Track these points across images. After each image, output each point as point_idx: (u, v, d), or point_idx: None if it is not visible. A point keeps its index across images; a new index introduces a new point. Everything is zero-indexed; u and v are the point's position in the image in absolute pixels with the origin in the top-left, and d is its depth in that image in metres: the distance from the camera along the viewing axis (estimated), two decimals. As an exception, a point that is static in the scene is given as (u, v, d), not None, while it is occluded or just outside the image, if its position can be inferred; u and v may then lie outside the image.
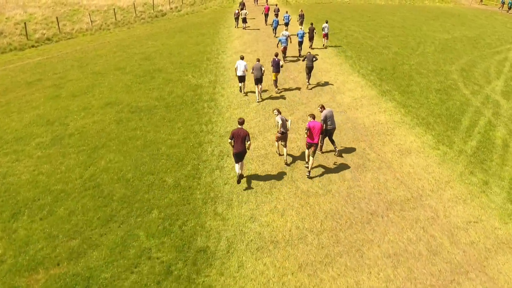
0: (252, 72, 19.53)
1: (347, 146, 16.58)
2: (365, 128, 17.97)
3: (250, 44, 32.07)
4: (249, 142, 12.25)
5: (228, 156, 15.18)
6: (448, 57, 30.67)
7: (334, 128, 14.88)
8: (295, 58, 28.25)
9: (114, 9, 40.94)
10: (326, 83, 23.41)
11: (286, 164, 14.80)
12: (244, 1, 49.70)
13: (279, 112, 14.36)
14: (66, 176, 13.50)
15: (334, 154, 15.57)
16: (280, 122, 14.03)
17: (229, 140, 12.40)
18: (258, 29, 38.52)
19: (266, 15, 40.55)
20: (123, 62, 26.57)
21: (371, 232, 11.63)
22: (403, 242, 11.27)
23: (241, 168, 12.93)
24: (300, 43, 28.01)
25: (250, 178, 14.07)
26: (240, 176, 12.92)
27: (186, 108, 19.39)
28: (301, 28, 29.19)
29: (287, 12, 38.70)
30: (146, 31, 37.70)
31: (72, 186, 12.99)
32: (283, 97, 21.14)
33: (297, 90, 22.00)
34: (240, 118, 12.88)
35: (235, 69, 19.85)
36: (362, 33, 37.83)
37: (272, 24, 34.34)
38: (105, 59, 27.54)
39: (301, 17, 37.66)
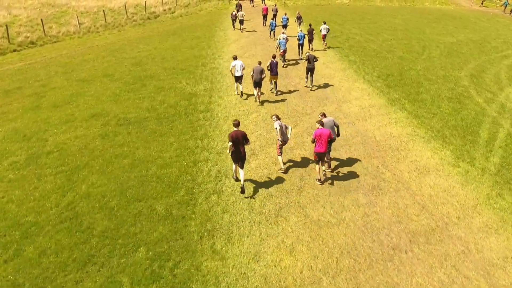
0: (251, 75, 18.59)
1: (359, 164, 14.88)
2: (377, 142, 16.24)
3: (248, 47, 30.38)
4: (248, 142, 11.99)
5: (226, 177, 13.53)
6: (456, 61, 29.03)
7: (333, 140, 13.17)
8: (294, 62, 26.90)
9: (104, 10, 38.97)
10: (331, 91, 21.89)
11: (282, 171, 13.77)
12: (240, 3, 48.13)
13: (278, 118, 13.35)
14: (39, 204, 11.62)
15: (325, 170, 13.70)
16: (279, 128, 13.06)
17: (229, 144, 11.53)
18: (255, 31, 37.00)
19: (265, 16, 39.04)
20: (112, 68, 24.68)
21: (395, 272, 9.85)
22: (434, 286, 9.38)
23: (242, 176, 12.17)
24: (300, 46, 26.79)
25: (252, 203, 12.32)
26: (243, 188, 12.28)
27: (180, 120, 17.58)
28: (300, 30, 27.60)
29: (285, 14, 37.07)
30: (137, 34, 35.79)
31: (46, 217, 11.13)
32: (285, 105, 19.56)
33: (299, 99, 20.33)
34: (235, 120, 12.13)
35: (231, 70, 19.31)
36: (364, 36, 36.25)
37: (270, 26, 33.13)
38: (92, 65, 25.64)
39: (299, 19, 36.57)
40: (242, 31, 36.38)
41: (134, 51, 29.26)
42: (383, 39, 35.45)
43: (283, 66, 25.93)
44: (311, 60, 20.80)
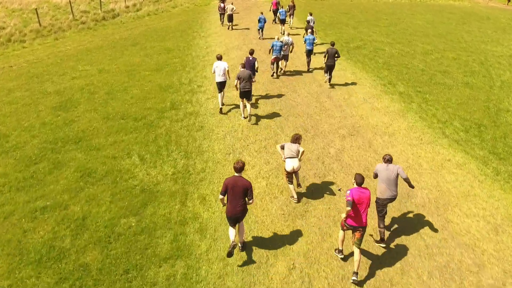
0: (236, 83, 14.24)
1: None
2: None
3: (238, 52, 21.39)
4: (251, 200, 7.96)
5: None
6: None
7: (394, 198, 8.80)
8: (295, 73, 17.90)
9: (37, 9, 27.22)
10: (413, 175, 12.31)
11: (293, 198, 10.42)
12: None
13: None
14: None
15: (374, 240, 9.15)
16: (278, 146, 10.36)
17: (221, 196, 7.97)
18: (248, 29, 28.86)
19: (275, 12, 30.24)
20: (13, 118, 14.48)
21: None
22: None
23: (241, 233, 8.42)
24: (309, 53, 20.09)
25: None
26: (234, 247, 8.01)
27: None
28: (310, 33, 20.31)
29: (282, 7, 29.84)
30: (81, 44, 25.40)
31: None
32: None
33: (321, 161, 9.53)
34: (238, 163, 7.99)
35: (213, 73, 15.03)
36: (394, 46, 27.20)
37: (275, 20, 29.24)
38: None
39: (291, 9, 29.38)
40: (229, 28, 29.17)
41: (65, 77, 19.25)
42: (422, 51, 26.23)
43: (272, 76, 19.73)
44: (332, 55, 17.26)
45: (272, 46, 18.24)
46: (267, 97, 17.10)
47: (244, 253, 8.67)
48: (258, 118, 15.07)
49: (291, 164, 9.99)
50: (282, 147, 10.19)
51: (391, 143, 13.70)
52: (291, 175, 10.26)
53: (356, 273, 8.03)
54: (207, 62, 21.69)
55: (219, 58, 14.92)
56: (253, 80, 14.40)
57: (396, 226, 9.76)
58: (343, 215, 7.95)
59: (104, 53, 22.97)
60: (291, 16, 29.15)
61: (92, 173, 11.25)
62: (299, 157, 10.04)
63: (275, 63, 19.00)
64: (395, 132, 14.45)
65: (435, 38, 30.23)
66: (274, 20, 30.96)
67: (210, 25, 30.66)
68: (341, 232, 8.50)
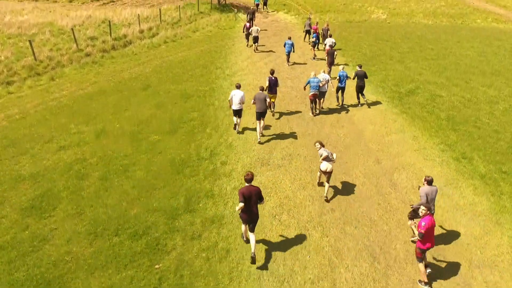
0: (253, 103, 15.19)
1: None
2: None
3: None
4: (263, 201, 9.65)
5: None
6: None
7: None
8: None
9: (30, 41, 22.88)
10: None
11: (326, 200, 11.93)
12: (254, 10, 37.04)
13: (322, 145, 11.87)
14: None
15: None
16: (325, 154, 11.72)
17: (240, 204, 9.09)
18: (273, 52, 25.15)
19: (318, 37, 27.99)
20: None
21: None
22: None
23: (252, 231, 9.79)
24: (341, 90, 19.04)
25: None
26: (253, 258, 9.53)
27: None
28: (343, 68, 18.98)
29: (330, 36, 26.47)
30: (81, 87, 21.55)
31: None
32: None
33: None
34: (248, 174, 9.47)
35: (229, 101, 15.45)
36: (451, 89, 22.98)
37: (311, 42, 27.70)
38: None
39: (326, 32, 28.20)
40: (255, 50, 28.38)
41: (51, 146, 15.60)
42: (485, 98, 21.96)
43: (312, 114, 18.60)
44: (362, 76, 17.97)
45: (308, 83, 17.40)
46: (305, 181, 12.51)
47: None
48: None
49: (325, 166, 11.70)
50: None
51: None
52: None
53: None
54: (232, 117, 17.37)
55: (238, 87, 15.59)
56: (268, 102, 15.21)
57: None
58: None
59: (107, 102, 18.75)
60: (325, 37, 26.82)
61: None
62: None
63: (314, 101, 17.96)
64: (501, 262, 9.68)
65: (494, 77, 25.76)
66: (317, 45, 28.46)
67: (236, 58, 26.34)
68: (421, 265, 8.93)
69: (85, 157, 14.20)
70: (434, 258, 10.10)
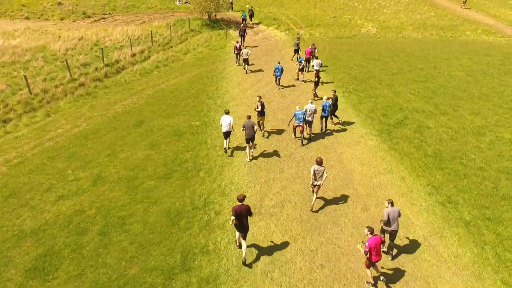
0: (243, 129, 17.53)
1: None
2: None
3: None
4: (251, 215, 12.53)
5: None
6: None
7: (396, 231, 12.43)
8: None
9: (25, 76, 23.43)
10: None
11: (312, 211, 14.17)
12: (245, 27, 38.65)
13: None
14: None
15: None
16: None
17: (232, 218, 12.11)
18: (263, 71, 25.25)
19: (308, 61, 29.26)
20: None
21: None
22: None
23: (244, 239, 12.56)
24: (324, 119, 20.71)
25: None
26: (245, 260, 12.54)
27: None
28: (327, 99, 20.58)
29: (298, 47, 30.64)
30: (76, 124, 22.21)
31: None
32: None
33: None
34: (240, 195, 12.28)
35: (221, 125, 17.91)
36: (439, 118, 23.56)
37: (300, 66, 27.78)
38: None
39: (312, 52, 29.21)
40: (246, 72, 29.68)
41: (50, 196, 16.11)
42: (473, 129, 22.54)
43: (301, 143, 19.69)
44: (335, 100, 19.42)
45: (294, 115, 18.59)
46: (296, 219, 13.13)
47: None
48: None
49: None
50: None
51: None
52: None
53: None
54: (224, 158, 18.68)
55: (227, 113, 18.02)
56: (256, 129, 17.39)
57: None
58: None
59: (102, 142, 19.23)
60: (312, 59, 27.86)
61: None
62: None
63: (297, 129, 19.25)
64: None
65: (482, 102, 26.56)
66: (307, 68, 29.70)
67: (227, 84, 26.95)
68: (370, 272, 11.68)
69: (83, 208, 14.64)
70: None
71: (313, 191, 14.72)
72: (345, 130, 21.12)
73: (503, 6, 62.19)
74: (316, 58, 26.76)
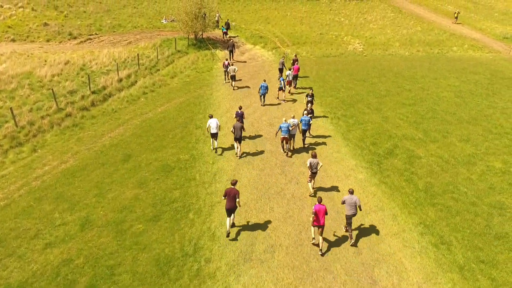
0: (232, 131, 20.53)
1: None
2: None
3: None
4: (238, 199, 15.15)
5: None
6: None
7: (354, 214, 15.08)
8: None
9: (11, 108, 23.33)
10: None
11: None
12: (233, 43, 38.52)
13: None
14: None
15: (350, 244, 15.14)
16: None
17: (223, 197, 15.21)
18: (249, 87, 24.06)
19: (296, 77, 30.64)
20: None
21: None
22: None
23: (232, 219, 15.67)
24: (305, 132, 22.20)
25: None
26: (228, 234, 15.43)
27: None
28: (306, 114, 22.27)
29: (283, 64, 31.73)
30: (63, 159, 21.97)
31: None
32: None
33: None
34: (233, 180, 15.40)
35: (207, 128, 20.81)
36: (428, 147, 23.73)
37: (281, 85, 28.44)
38: None
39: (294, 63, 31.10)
40: (234, 89, 31.04)
41: (37, 244, 15.84)
42: (463, 158, 22.65)
43: (286, 154, 21.60)
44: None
45: (280, 128, 20.66)
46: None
47: None
48: None
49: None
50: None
51: None
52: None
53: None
54: (214, 197, 18.59)
55: (211, 117, 20.86)
56: (244, 130, 20.60)
57: None
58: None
59: (90, 180, 18.92)
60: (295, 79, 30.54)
61: None
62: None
63: (284, 142, 21.27)
64: None
65: (471, 126, 26.90)
66: (295, 85, 31.32)
67: (214, 112, 27.04)
68: (313, 228, 15.40)
69: (71, 257, 14.36)
70: None
71: (310, 181, 17.93)
72: (335, 161, 20.94)
73: (489, 19, 62.80)
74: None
